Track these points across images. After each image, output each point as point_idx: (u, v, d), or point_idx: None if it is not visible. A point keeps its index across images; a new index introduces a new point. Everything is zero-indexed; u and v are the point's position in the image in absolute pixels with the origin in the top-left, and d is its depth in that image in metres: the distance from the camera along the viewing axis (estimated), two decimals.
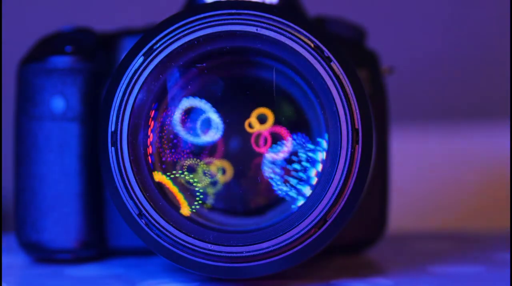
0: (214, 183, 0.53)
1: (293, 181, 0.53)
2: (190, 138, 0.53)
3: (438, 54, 1.15)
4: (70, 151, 0.58)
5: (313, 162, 0.52)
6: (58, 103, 0.58)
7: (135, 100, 0.51)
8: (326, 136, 0.51)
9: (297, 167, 0.53)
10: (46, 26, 0.71)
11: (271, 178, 0.53)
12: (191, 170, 0.53)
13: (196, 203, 0.53)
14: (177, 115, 0.53)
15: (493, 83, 1.14)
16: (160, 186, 0.52)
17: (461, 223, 1.02)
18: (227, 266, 0.50)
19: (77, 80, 0.59)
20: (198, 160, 0.53)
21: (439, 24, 1.15)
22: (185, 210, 0.52)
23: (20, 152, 0.59)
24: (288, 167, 0.53)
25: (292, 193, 0.53)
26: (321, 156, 0.52)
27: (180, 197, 0.52)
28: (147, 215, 0.51)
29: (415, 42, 1.14)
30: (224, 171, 0.53)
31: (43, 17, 1.09)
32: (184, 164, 0.53)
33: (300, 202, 0.52)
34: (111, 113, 0.51)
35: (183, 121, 0.53)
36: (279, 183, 0.53)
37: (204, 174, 0.53)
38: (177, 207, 0.52)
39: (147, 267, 0.58)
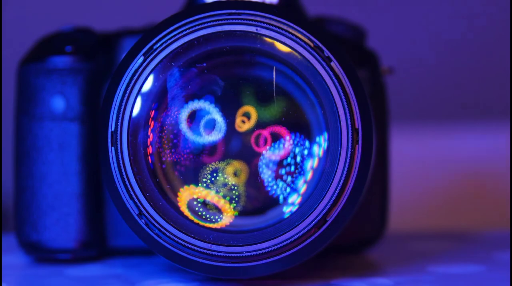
0: (225, 185, 0.53)
1: (292, 181, 0.53)
2: (191, 138, 0.53)
3: (438, 54, 1.15)
4: (70, 151, 0.58)
5: (312, 162, 0.52)
6: (58, 103, 0.58)
7: (135, 100, 0.51)
8: (326, 136, 0.51)
9: (296, 167, 0.53)
10: (46, 26, 0.71)
11: (271, 178, 0.53)
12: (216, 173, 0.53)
13: (233, 203, 0.53)
14: (178, 115, 0.53)
15: (493, 83, 1.14)
16: (160, 185, 0.52)
17: (461, 223, 1.02)
18: (227, 266, 0.50)
19: (77, 80, 0.59)
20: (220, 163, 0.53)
21: (439, 24, 1.15)
22: (229, 214, 0.52)
23: (20, 151, 0.59)
24: (288, 167, 0.53)
25: (291, 193, 0.53)
26: (320, 156, 0.52)
27: (223, 203, 0.53)
28: (147, 215, 0.51)
29: (415, 42, 1.14)
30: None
31: (43, 17, 1.09)
32: (208, 169, 0.53)
33: (300, 202, 0.52)
34: (111, 113, 0.51)
35: (184, 121, 0.53)
36: (279, 183, 0.53)
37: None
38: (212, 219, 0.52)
39: (147, 267, 0.58)
